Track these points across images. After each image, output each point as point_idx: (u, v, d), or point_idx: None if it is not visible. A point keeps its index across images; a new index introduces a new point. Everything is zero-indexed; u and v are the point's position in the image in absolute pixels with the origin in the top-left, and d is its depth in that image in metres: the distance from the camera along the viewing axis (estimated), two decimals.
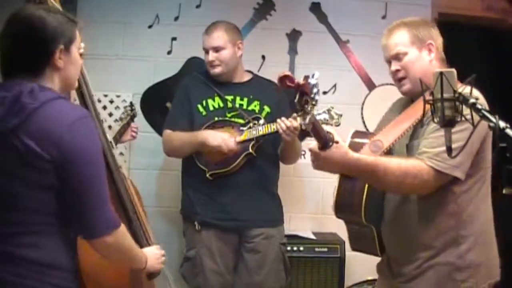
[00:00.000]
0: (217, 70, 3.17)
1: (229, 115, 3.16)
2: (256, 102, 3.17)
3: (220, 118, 3.14)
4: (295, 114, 2.72)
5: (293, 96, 1.68)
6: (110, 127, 3.74)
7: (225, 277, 3.10)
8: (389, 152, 2.11)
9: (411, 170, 1.98)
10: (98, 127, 2.01)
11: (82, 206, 1.62)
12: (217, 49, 3.16)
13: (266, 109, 3.17)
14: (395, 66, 2.20)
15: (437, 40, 2.24)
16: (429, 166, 1.98)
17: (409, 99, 2.26)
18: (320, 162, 1.97)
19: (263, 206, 3.14)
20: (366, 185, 2.09)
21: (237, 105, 3.15)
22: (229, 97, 3.16)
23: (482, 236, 2.10)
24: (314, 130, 1.81)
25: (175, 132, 3.17)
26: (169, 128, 3.20)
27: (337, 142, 1.93)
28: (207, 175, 3.07)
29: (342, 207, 2.16)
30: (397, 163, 2.00)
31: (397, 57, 2.18)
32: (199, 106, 3.18)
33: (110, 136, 3.09)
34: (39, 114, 1.58)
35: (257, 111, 3.16)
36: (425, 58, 2.18)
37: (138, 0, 3.90)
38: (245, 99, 3.18)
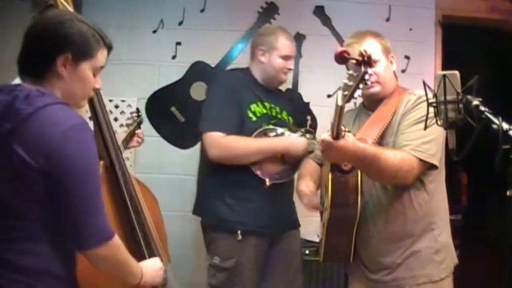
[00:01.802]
0: (285, 78, 3.11)
1: (272, 122, 3.01)
2: (285, 112, 3.12)
3: (271, 126, 2.97)
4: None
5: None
6: (115, 132, 3.74)
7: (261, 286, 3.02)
8: None
9: (405, 159, 2.16)
10: (108, 137, 2.01)
11: (72, 217, 1.57)
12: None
13: (291, 120, 3.15)
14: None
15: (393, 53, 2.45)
16: (414, 156, 2.17)
17: (361, 108, 2.48)
18: (333, 152, 2.01)
19: (294, 208, 3.11)
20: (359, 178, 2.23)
21: (275, 113, 3.05)
22: (267, 104, 3.03)
23: (446, 220, 2.37)
24: (341, 112, 1.89)
25: (230, 136, 2.85)
26: (219, 130, 2.85)
27: (349, 131, 2.02)
28: (267, 184, 2.88)
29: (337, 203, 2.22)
30: (392, 153, 2.17)
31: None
32: (249, 111, 2.95)
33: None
34: (33, 120, 1.52)
35: (289, 121, 3.12)
36: (390, 68, 2.41)
37: (143, 4, 3.92)
38: (278, 108, 3.08)
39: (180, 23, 3.94)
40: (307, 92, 3.92)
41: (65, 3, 2.01)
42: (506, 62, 4.18)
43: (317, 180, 2.57)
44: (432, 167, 2.24)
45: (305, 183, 2.53)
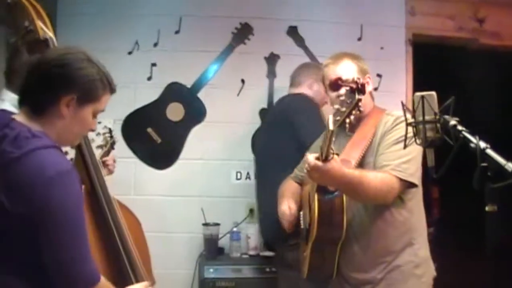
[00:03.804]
0: None
1: None
2: None
3: None
4: None
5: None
6: None
7: None
8: None
9: (385, 180, 2.20)
10: (89, 160, 2.00)
11: (57, 264, 1.52)
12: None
13: None
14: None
15: (370, 74, 2.50)
16: (394, 176, 2.22)
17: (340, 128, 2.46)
18: (320, 174, 2.05)
19: None
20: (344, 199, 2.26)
21: None
22: None
23: (425, 235, 2.42)
24: (331, 136, 1.93)
25: None
26: None
27: (337, 155, 2.07)
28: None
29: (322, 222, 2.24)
30: (373, 175, 2.21)
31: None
32: None
33: None
34: (18, 165, 1.48)
35: None
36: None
37: (118, 26, 3.92)
38: None
39: (155, 45, 3.96)
40: None
41: (45, 28, 2.01)
42: (473, 79, 4.31)
43: (298, 200, 2.60)
44: (412, 185, 2.29)
45: (287, 204, 2.55)
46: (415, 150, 2.16)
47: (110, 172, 3.19)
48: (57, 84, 1.59)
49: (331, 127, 1.91)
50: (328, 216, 2.25)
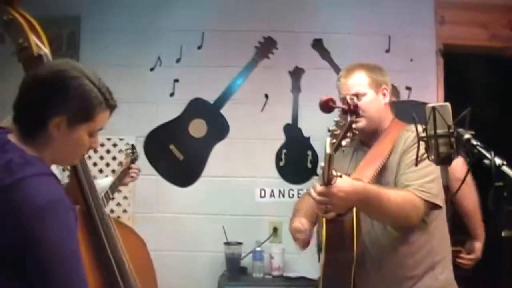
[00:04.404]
0: None
1: None
2: None
3: None
4: None
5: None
6: (113, 171, 3.69)
7: None
8: None
9: (408, 198, 2.07)
10: (84, 180, 1.92)
11: None
12: None
13: None
14: None
15: (389, 85, 2.37)
16: (418, 197, 2.09)
17: (358, 142, 2.36)
18: (331, 199, 1.92)
19: None
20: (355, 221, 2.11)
21: None
22: None
23: (448, 258, 2.28)
24: (330, 160, 1.83)
25: None
26: None
27: (340, 176, 1.94)
28: None
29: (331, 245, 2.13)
30: (395, 192, 2.09)
31: (356, 96, 2.24)
32: None
33: (111, 178, 3.06)
34: (7, 193, 1.39)
35: None
36: (381, 101, 2.31)
37: (140, 43, 3.89)
38: None
39: (178, 60, 3.91)
40: (307, 127, 3.86)
41: (40, 44, 1.95)
42: (507, 89, 4.10)
43: (312, 217, 2.46)
44: (435, 206, 2.15)
45: (298, 220, 2.41)
46: (438, 169, 2.00)
47: (133, 178, 3.17)
48: (45, 105, 1.50)
49: (328, 150, 1.82)
50: (338, 239, 2.12)
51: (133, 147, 3.32)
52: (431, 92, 3.79)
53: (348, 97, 1.88)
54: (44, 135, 1.51)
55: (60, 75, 1.52)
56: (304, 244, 2.38)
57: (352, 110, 1.85)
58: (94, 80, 1.55)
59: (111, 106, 1.60)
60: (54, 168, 2.43)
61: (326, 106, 1.90)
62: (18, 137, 1.52)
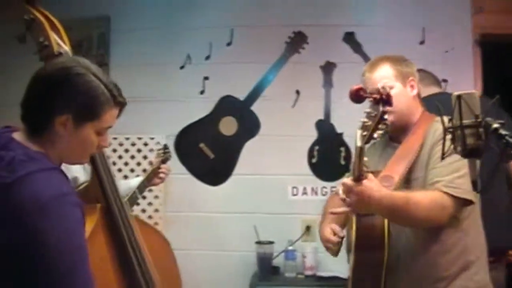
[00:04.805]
0: None
1: None
2: None
3: None
4: None
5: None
6: (144, 170, 3.68)
7: None
8: None
9: (436, 199, 1.97)
10: (104, 179, 1.90)
11: None
12: None
13: None
14: None
15: (416, 76, 2.27)
16: (446, 193, 1.98)
17: (387, 138, 2.28)
18: (355, 197, 1.84)
19: None
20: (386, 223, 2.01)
21: None
22: None
23: (483, 258, 2.15)
24: (361, 153, 1.76)
25: None
26: None
27: (372, 172, 1.87)
28: None
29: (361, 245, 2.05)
30: (422, 195, 1.98)
31: None
32: None
33: (141, 178, 3.03)
34: (10, 192, 1.36)
35: None
36: (409, 94, 2.21)
37: (169, 41, 3.88)
38: None
39: (207, 58, 3.87)
40: (339, 123, 3.78)
41: (60, 42, 1.94)
42: None
43: (343, 218, 2.37)
44: (468, 202, 2.03)
45: (330, 228, 2.29)
46: (466, 162, 1.90)
47: (162, 180, 3.13)
48: (51, 103, 1.47)
49: (359, 143, 1.75)
50: (368, 238, 2.03)
51: (165, 147, 3.28)
52: (468, 85, 3.63)
53: (380, 86, 1.78)
54: (50, 133, 1.48)
55: (65, 72, 1.49)
56: (336, 251, 2.29)
57: (385, 100, 1.75)
58: (100, 77, 1.51)
59: (119, 104, 1.55)
60: (77, 166, 2.44)
61: (357, 96, 1.80)
62: (25, 135, 1.50)
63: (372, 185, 1.85)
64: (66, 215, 1.41)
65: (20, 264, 1.36)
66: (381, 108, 1.75)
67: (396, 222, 2.02)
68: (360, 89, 1.82)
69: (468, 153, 1.47)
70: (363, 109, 3.49)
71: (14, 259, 1.36)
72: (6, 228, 1.36)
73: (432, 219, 1.99)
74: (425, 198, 1.96)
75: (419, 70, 2.96)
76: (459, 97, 1.47)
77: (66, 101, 1.47)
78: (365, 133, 1.80)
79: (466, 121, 1.46)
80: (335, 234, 2.28)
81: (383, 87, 1.80)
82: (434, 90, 3.03)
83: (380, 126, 1.79)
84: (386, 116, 1.78)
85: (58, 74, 1.49)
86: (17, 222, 1.35)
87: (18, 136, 1.51)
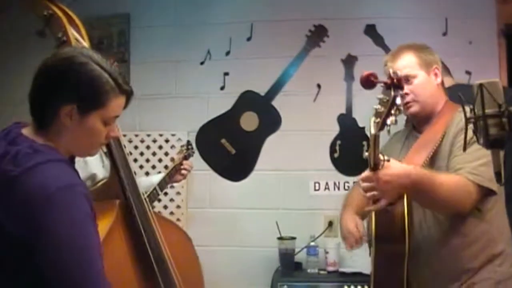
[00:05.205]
0: None
1: None
2: None
3: None
4: None
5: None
6: (166, 166, 3.68)
7: None
8: None
9: (461, 183, 1.95)
10: (123, 175, 1.88)
11: None
12: None
13: None
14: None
15: (440, 64, 2.24)
16: (470, 180, 1.95)
17: (411, 127, 2.28)
18: (378, 184, 1.83)
19: None
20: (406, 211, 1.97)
21: None
22: None
23: (509, 250, 2.10)
24: (376, 141, 1.76)
25: None
26: None
27: (388, 160, 1.84)
28: None
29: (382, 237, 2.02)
30: (447, 176, 1.96)
31: (407, 79, 2.13)
32: None
33: (159, 176, 3.01)
34: (16, 184, 1.36)
35: None
36: (433, 82, 2.19)
37: (189, 37, 3.86)
38: None
39: (227, 53, 3.85)
40: (361, 117, 3.72)
41: (80, 38, 1.94)
42: None
43: (363, 210, 2.34)
44: (490, 192, 2.00)
45: (354, 221, 2.29)
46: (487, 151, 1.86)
47: (184, 177, 3.10)
48: (55, 94, 1.47)
49: (372, 131, 1.74)
50: (388, 229, 2.00)
51: (188, 143, 3.27)
52: (493, 76, 3.45)
53: (391, 70, 1.75)
54: (57, 124, 1.49)
55: (68, 62, 1.49)
56: (355, 245, 2.27)
57: (396, 84, 1.72)
58: (104, 66, 1.51)
59: (125, 92, 1.54)
60: (94, 161, 2.45)
61: (367, 82, 1.76)
62: (33, 129, 1.51)
63: (394, 165, 1.83)
64: (74, 206, 1.40)
65: (29, 255, 1.36)
66: (392, 93, 1.73)
67: (420, 201, 2.00)
68: (371, 74, 1.78)
69: (491, 144, 1.43)
70: None
71: (23, 251, 1.36)
72: (14, 220, 1.36)
73: (457, 202, 1.96)
74: (449, 180, 1.94)
75: None
76: (481, 85, 1.43)
77: (69, 91, 1.47)
78: (378, 120, 1.79)
79: (488, 111, 1.42)
80: (357, 228, 2.26)
81: (394, 72, 1.76)
82: (448, 81, 2.98)
83: (393, 111, 1.77)
84: (398, 101, 1.75)
85: (60, 64, 1.50)
86: (25, 213, 1.35)
87: (26, 131, 1.52)
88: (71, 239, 1.37)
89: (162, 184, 2.94)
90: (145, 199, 1.97)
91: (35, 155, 1.41)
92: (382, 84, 1.75)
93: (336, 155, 3.74)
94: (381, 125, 1.77)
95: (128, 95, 1.56)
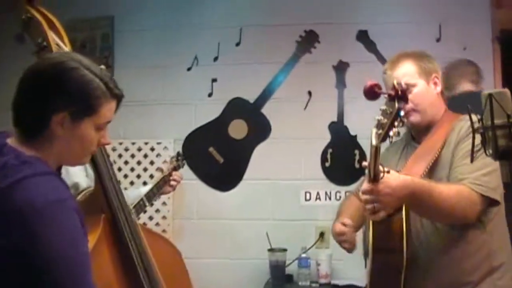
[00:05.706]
0: None
1: None
2: None
3: None
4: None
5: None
6: (151, 176, 3.58)
7: None
8: None
9: (463, 193, 1.90)
10: (109, 187, 1.80)
11: None
12: None
13: None
14: None
15: (439, 73, 2.19)
16: (473, 191, 1.91)
17: (409, 137, 2.23)
18: (378, 196, 1.77)
19: None
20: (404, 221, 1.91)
21: None
22: None
23: (509, 264, 2.04)
24: (376, 153, 1.71)
25: None
26: None
27: (388, 172, 1.78)
28: None
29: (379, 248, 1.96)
30: (447, 186, 1.91)
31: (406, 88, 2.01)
32: None
33: (148, 187, 2.90)
34: (5, 197, 1.31)
35: None
36: (433, 91, 2.14)
37: (175, 42, 3.77)
38: None
39: (215, 59, 3.75)
40: (353, 125, 3.65)
41: (61, 43, 1.83)
42: None
43: (357, 218, 2.25)
44: (493, 202, 1.94)
45: (340, 221, 2.21)
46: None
47: (173, 188, 3.01)
48: (45, 102, 1.39)
49: (374, 142, 1.68)
50: (386, 240, 1.93)
51: (178, 154, 3.17)
52: (487, 83, 3.48)
53: (395, 82, 1.70)
54: (47, 134, 1.41)
55: (58, 67, 1.41)
56: (351, 246, 2.20)
57: (400, 96, 1.67)
58: (94, 70, 1.44)
59: (116, 96, 1.48)
60: (77, 170, 2.33)
61: (371, 93, 1.71)
62: (19, 140, 1.43)
63: (393, 177, 1.78)
64: (63, 222, 1.35)
65: (19, 270, 1.30)
66: (396, 105, 1.68)
67: (421, 212, 1.95)
68: (375, 85, 1.73)
69: (500, 155, 1.35)
70: (378, 112, 3.36)
71: (14, 266, 1.30)
72: (4, 234, 1.29)
73: (459, 213, 1.91)
74: (450, 189, 1.89)
75: None
76: (490, 95, 1.35)
77: (61, 99, 1.40)
78: (380, 131, 1.73)
79: (497, 121, 1.34)
80: (345, 226, 2.21)
81: (398, 83, 1.71)
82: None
83: (396, 123, 1.73)
84: (402, 113, 1.71)
85: (49, 70, 1.42)
86: (14, 228, 1.29)
87: (11, 141, 1.43)
88: (62, 254, 1.33)
89: (150, 196, 2.83)
90: (132, 211, 1.89)
91: (23, 167, 1.35)
92: (386, 96, 1.69)
93: (327, 164, 3.66)
94: (383, 137, 1.71)
95: (119, 99, 1.50)
